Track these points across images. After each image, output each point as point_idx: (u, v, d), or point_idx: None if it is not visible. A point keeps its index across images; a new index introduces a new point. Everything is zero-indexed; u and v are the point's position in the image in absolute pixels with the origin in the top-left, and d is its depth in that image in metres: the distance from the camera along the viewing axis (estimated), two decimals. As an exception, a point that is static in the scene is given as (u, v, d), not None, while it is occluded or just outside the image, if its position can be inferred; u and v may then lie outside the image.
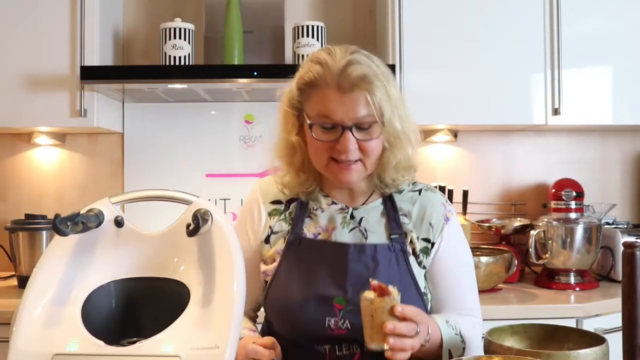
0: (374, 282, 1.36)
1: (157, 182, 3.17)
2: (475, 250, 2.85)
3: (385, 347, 1.32)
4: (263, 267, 1.66)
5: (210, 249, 1.28)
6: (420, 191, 1.65)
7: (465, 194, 3.14)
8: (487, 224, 3.11)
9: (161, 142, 3.25)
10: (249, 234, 1.68)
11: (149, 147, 3.24)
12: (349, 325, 1.50)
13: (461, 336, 1.53)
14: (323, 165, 1.54)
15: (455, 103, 2.88)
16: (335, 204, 1.64)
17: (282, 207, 1.67)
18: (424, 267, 1.59)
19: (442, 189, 3.01)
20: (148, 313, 1.32)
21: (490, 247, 3.02)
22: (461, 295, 1.62)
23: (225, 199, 3.24)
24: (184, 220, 1.29)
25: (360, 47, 1.54)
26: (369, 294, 1.36)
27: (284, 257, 1.60)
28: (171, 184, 3.18)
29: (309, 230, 1.62)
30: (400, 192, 1.64)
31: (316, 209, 1.64)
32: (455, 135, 3.27)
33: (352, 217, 1.61)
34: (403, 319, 1.35)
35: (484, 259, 2.68)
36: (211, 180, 3.25)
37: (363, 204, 1.64)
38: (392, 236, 1.58)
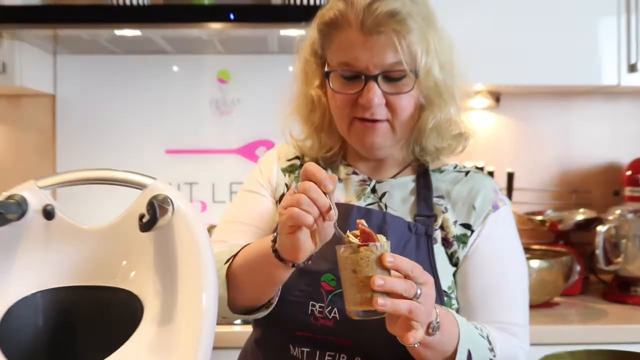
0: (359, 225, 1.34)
1: (101, 160, 3.17)
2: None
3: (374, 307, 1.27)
4: None
5: (170, 248, 1.28)
6: (467, 173, 1.70)
7: (510, 177, 3.15)
8: (539, 217, 3.12)
9: (106, 107, 3.24)
10: (261, 190, 1.75)
11: (90, 114, 3.24)
12: (337, 315, 1.53)
13: (489, 342, 1.50)
14: (346, 127, 1.61)
15: (497, 57, 2.85)
16: (357, 174, 1.71)
17: (298, 162, 1.77)
18: (456, 263, 1.61)
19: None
20: (88, 334, 1.32)
21: (544, 247, 3.03)
22: (501, 305, 1.61)
23: (191, 183, 3.24)
24: (136, 210, 1.28)
25: None
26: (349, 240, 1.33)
27: None
28: (119, 162, 3.13)
29: None
30: (441, 171, 1.70)
31: None
32: (497, 100, 3.27)
33: (373, 190, 1.67)
34: (395, 271, 1.31)
35: (534, 264, 2.68)
36: (173, 158, 3.25)
37: (391, 178, 1.69)
38: (417, 217, 1.61)
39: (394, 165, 1.71)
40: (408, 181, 1.68)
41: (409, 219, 1.62)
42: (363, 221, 1.34)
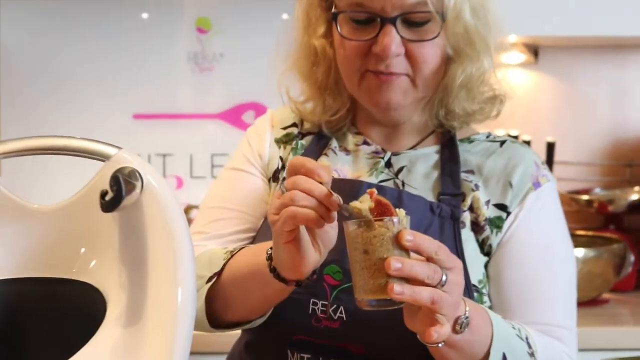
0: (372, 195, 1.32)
1: (53, 127, 3.15)
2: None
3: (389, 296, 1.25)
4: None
5: (139, 232, 1.27)
6: (502, 143, 1.70)
7: (550, 148, 3.15)
8: (585, 197, 3.14)
9: (61, 61, 3.25)
10: (250, 168, 1.75)
11: (41, 70, 3.25)
12: (343, 315, 1.53)
13: (529, 346, 1.50)
14: (356, 82, 1.60)
15: (534, 1, 2.85)
16: (368, 144, 1.71)
17: (295, 131, 1.77)
18: (488, 252, 1.62)
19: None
20: (39, 334, 1.32)
21: (590, 233, 3.04)
22: (543, 303, 1.61)
23: (164, 154, 3.26)
24: (97, 186, 1.27)
25: None
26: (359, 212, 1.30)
27: None
28: (77, 128, 3.13)
29: None
30: (471, 141, 1.70)
31: (338, 148, 1.72)
32: (536, 54, 3.27)
33: (388, 164, 1.67)
34: (416, 253, 1.29)
35: (579, 253, 2.70)
36: (142, 124, 3.27)
37: (410, 149, 1.69)
38: (441, 196, 1.61)
39: (414, 133, 1.71)
40: (430, 153, 1.68)
41: (431, 198, 1.61)
42: (375, 190, 1.32)
